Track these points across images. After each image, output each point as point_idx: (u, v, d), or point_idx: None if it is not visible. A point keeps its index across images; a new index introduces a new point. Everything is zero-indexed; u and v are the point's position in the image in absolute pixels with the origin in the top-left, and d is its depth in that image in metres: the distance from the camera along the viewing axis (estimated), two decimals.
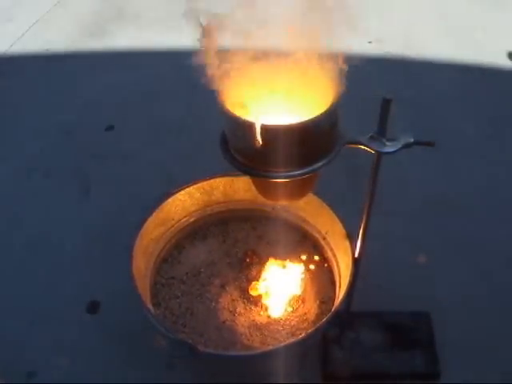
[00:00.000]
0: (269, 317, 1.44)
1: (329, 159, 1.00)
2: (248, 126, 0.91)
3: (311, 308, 1.46)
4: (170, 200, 1.50)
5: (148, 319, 1.23)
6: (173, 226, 1.57)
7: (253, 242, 1.64)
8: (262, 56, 0.95)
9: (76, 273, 1.84)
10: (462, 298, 1.71)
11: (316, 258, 1.59)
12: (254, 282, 1.51)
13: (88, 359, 1.59)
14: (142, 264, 1.43)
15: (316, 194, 1.41)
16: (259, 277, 1.52)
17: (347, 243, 1.35)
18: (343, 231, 1.38)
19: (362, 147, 1.04)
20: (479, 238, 1.91)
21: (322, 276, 1.54)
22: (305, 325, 1.42)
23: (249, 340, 1.39)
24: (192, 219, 1.62)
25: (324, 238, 1.55)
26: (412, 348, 1.53)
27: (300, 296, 1.48)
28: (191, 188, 1.55)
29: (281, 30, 0.91)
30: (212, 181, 1.57)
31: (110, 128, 2.52)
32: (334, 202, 1.45)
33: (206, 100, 0.95)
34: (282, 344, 1.26)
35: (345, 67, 0.92)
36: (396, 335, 1.56)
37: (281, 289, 1.48)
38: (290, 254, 1.58)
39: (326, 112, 0.93)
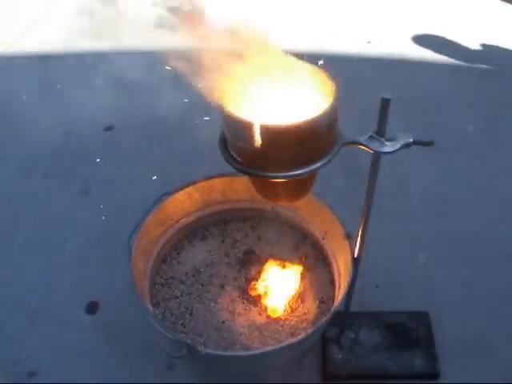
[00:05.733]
0: (268, 317, 1.44)
1: (328, 159, 1.00)
2: (247, 126, 0.91)
3: (311, 308, 1.46)
4: (169, 200, 1.50)
5: (147, 319, 1.23)
6: (172, 226, 1.57)
7: (252, 242, 1.64)
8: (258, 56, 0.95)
9: (75, 273, 1.84)
10: (461, 298, 1.71)
11: (315, 258, 1.59)
12: (253, 282, 1.51)
13: (87, 359, 1.60)
14: (141, 264, 1.43)
15: (316, 194, 1.41)
16: (259, 277, 1.52)
17: (347, 243, 1.35)
18: (343, 231, 1.37)
19: (361, 147, 1.04)
20: (479, 238, 1.91)
21: (322, 276, 1.53)
22: (304, 325, 1.42)
23: (248, 340, 1.39)
24: (191, 219, 1.62)
25: (323, 238, 1.54)
26: (411, 348, 1.53)
27: (299, 296, 1.48)
28: (190, 188, 1.54)
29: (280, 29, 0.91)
30: (211, 181, 1.57)
31: (110, 128, 2.52)
32: (334, 202, 1.45)
33: (205, 100, 0.95)
34: (282, 344, 1.26)
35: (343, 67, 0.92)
36: (395, 335, 1.56)
37: (280, 289, 1.48)
38: (290, 254, 1.58)
39: (324, 112, 0.93)
